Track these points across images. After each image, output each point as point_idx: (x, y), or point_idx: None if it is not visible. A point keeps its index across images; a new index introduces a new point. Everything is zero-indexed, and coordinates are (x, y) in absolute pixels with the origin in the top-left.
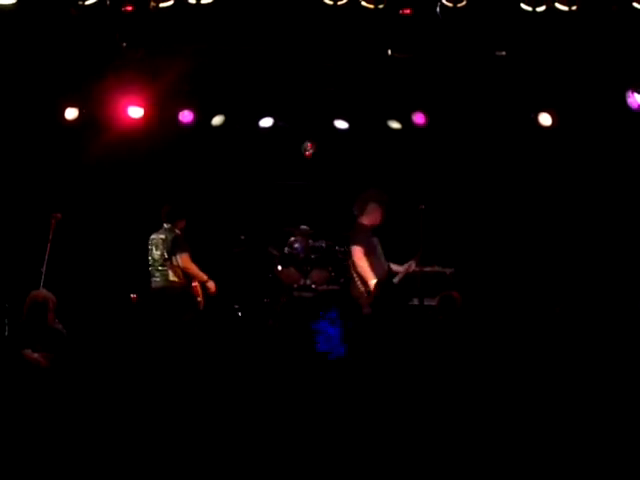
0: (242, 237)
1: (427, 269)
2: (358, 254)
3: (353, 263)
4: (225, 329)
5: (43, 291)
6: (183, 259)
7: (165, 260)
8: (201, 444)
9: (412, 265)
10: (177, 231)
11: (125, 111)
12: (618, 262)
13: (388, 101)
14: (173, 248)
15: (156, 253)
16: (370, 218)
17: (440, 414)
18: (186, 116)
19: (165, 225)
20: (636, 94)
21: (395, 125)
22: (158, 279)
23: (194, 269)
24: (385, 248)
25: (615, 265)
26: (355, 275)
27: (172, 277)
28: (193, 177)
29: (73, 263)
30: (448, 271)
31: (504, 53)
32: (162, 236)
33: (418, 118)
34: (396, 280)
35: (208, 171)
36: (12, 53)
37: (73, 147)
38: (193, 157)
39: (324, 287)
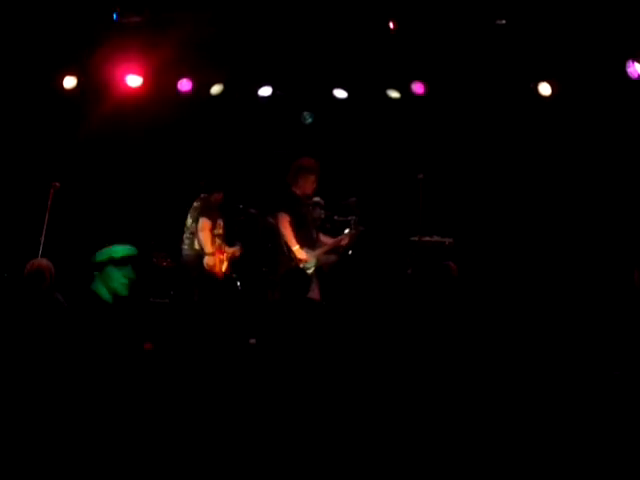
0: (240, 206)
1: (426, 239)
2: (283, 222)
3: (278, 230)
4: (224, 300)
5: (41, 260)
6: (201, 224)
7: (194, 228)
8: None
9: (344, 239)
10: (210, 200)
11: (124, 80)
12: (619, 235)
13: (387, 70)
14: (198, 215)
15: (188, 221)
16: (302, 187)
17: (433, 389)
18: (185, 85)
19: (202, 195)
20: (636, 63)
21: (394, 94)
22: (186, 247)
23: (204, 237)
24: (384, 217)
25: (615, 239)
26: (281, 241)
27: (196, 245)
28: (192, 146)
29: (71, 232)
30: (447, 241)
31: (504, 22)
32: (195, 204)
33: (417, 87)
34: (318, 252)
35: (206, 140)
36: (9, 21)
37: (72, 116)
38: (192, 126)
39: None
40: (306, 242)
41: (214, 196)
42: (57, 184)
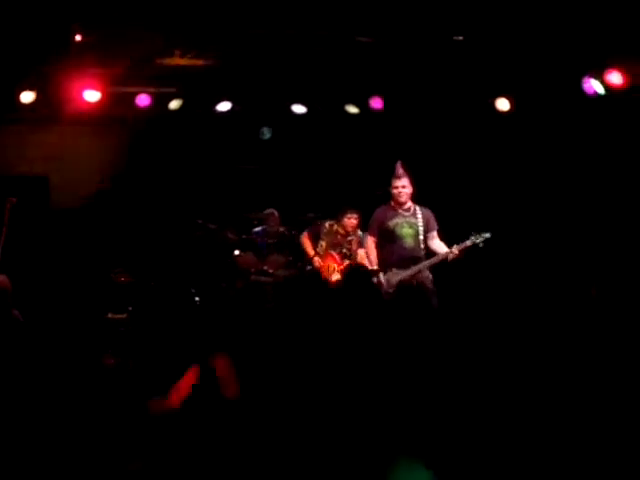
0: (199, 221)
1: None
2: (366, 244)
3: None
4: (182, 314)
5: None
6: (300, 237)
7: None
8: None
9: (454, 251)
10: (327, 222)
11: (81, 95)
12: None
13: (346, 85)
14: None
15: None
16: (393, 196)
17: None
18: (143, 100)
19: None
20: (592, 80)
21: (353, 109)
22: None
23: (303, 245)
24: None
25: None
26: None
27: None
28: (150, 161)
29: (28, 249)
30: None
31: (461, 38)
32: None
33: (375, 103)
34: (415, 269)
35: (165, 155)
36: None
37: (30, 130)
38: (150, 141)
39: (282, 272)
40: (389, 260)
41: (339, 217)
42: (14, 199)
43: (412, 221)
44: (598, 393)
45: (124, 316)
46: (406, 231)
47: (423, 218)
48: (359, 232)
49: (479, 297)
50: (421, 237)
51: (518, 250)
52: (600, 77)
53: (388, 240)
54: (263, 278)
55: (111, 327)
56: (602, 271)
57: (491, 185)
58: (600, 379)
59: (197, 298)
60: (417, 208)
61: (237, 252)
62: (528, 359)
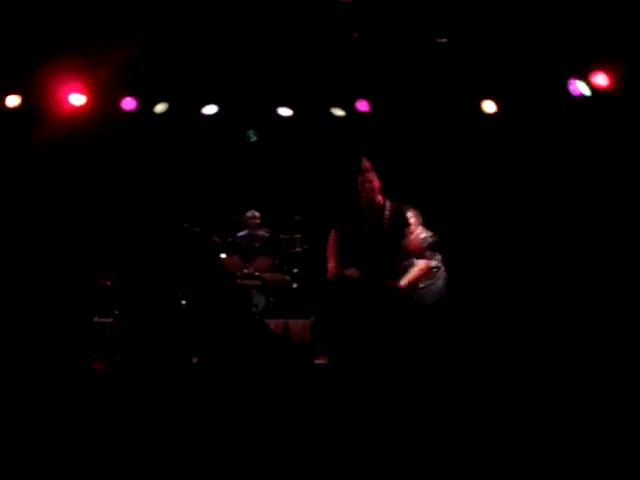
0: (185, 225)
1: None
2: (329, 239)
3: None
4: (169, 318)
5: None
6: None
7: None
8: None
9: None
10: None
11: (67, 99)
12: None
13: (332, 88)
14: None
15: None
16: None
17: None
18: (129, 103)
19: None
20: (577, 81)
21: (339, 112)
22: None
23: None
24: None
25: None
26: None
27: None
28: (137, 165)
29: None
30: None
31: (445, 40)
32: None
33: (362, 105)
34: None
35: (151, 159)
36: None
37: (15, 135)
38: (136, 145)
39: (269, 275)
40: (354, 260)
41: None
42: None
43: (376, 219)
44: (584, 393)
45: (110, 320)
46: (366, 229)
47: (391, 216)
48: (418, 231)
49: (467, 301)
50: (384, 236)
51: (506, 253)
52: (586, 78)
53: (345, 240)
54: (249, 281)
55: (98, 331)
56: (589, 276)
57: (479, 188)
58: (588, 381)
59: (184, 302)
60: (387, 204)
61: (223, 255)
62: (516, 362)
